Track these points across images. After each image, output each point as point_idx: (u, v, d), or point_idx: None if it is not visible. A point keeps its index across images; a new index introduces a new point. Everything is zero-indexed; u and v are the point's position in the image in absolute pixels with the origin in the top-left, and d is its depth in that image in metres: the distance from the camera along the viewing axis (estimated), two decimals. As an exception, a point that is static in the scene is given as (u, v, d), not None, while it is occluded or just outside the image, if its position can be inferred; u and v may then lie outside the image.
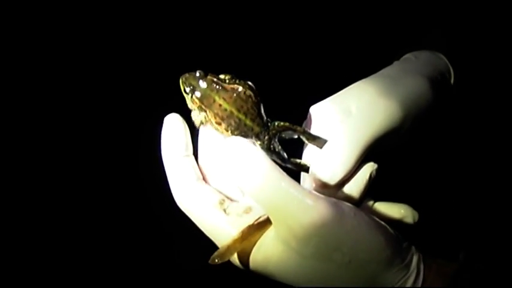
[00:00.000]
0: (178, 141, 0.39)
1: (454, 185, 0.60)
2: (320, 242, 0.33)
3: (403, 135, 0.40)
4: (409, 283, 0.35)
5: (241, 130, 0.39)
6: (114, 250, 0.69)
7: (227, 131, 0.39)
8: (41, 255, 0.70)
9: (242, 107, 0.39)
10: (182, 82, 0.40)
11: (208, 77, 0.40)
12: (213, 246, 0.38)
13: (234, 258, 0.37)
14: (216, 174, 0.40)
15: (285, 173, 0.33)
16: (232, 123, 0.39)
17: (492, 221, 0.57)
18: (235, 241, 0.35)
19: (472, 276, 0.36)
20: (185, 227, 0.40)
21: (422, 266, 0.36)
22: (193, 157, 0.40)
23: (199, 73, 0.40)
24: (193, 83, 0.40)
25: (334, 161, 0.37)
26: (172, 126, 0.40)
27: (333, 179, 0.37)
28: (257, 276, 0.37)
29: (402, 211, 0.39)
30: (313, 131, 0.41)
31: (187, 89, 0.40)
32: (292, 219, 0.32)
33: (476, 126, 0.57)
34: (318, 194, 0.34)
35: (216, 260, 0.35)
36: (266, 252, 0.35)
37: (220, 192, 0.39)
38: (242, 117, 0.39)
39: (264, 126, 0.40)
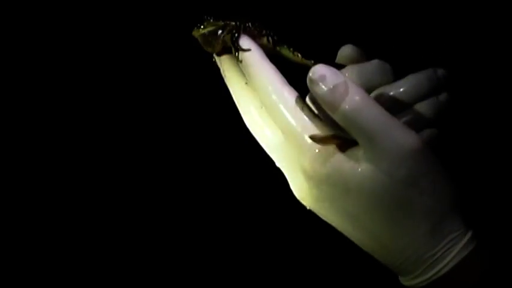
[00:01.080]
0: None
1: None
2: (413, 165, 0.33)
3: None
4: (467, 237, 0.35)
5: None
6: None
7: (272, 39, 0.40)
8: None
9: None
10: (204, 25, 0.40)
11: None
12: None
13: (320, 158, 0.35)
14: None
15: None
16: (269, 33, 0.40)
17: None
18: (331, 137, 0.35)
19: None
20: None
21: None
22: None
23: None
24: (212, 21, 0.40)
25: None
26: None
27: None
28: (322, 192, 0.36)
29: None
30: None
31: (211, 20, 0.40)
32: (392, 143, 0.33)
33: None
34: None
35: (314, 139, 0.35)
36: (354, 164, 0.35)
37: None
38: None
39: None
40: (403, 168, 0.34)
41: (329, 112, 0.35)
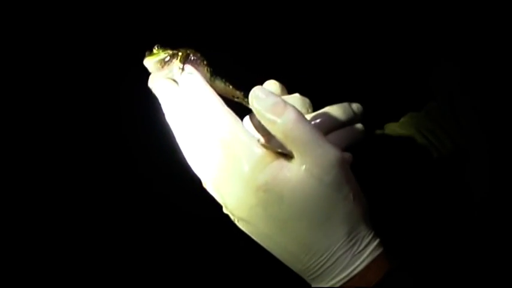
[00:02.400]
0: None
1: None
2: (339, 173, 0.39)
3: None
4: (376, 242, 0.40)
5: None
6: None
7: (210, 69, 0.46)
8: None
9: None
10: (156, 50, 0.44)
11: None
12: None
13: (260, 164, 0.40)
14: None
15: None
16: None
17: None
18: (268, 154, 0.40)
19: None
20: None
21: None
22: None
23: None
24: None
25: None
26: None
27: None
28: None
29: None
30: None
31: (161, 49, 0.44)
32: (323, 152, 0.39)
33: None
34: None
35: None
36: (289, 172, 0.39)
37: None
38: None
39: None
40: (331, 175, 0.39)
41: (268, 125, 0.40)
